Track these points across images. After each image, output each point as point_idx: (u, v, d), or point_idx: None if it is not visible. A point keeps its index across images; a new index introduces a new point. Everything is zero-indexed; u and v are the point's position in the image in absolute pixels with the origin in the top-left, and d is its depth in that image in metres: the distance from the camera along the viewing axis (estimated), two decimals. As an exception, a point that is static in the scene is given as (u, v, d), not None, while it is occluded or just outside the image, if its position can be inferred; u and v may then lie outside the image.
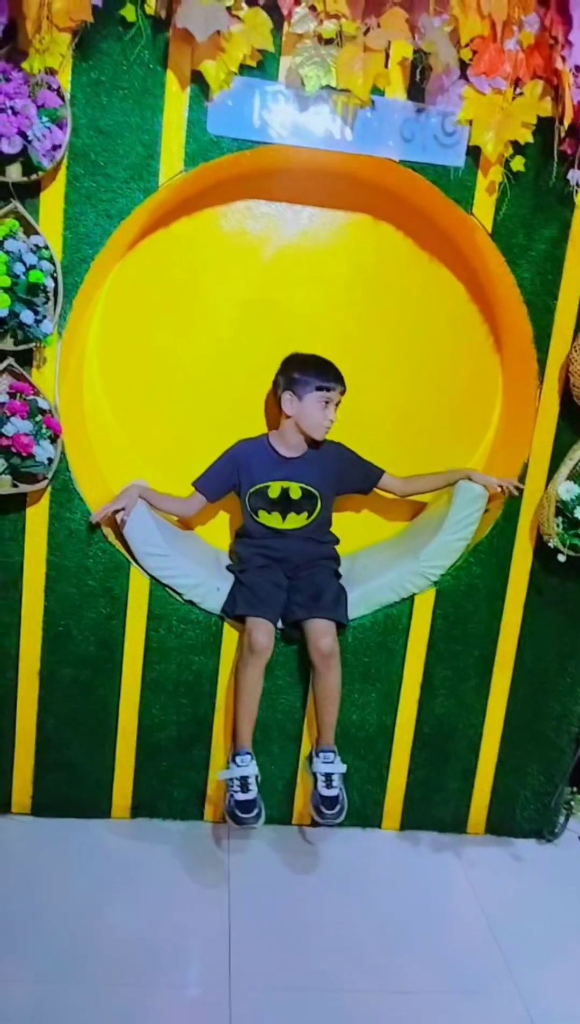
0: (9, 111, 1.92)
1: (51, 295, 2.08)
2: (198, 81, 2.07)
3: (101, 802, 2.46)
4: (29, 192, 2.06)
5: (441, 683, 2.51)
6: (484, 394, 2.61)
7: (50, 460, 2.16)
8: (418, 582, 2.44)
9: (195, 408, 2.53)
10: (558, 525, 2.34)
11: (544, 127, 2.17)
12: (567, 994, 2.07)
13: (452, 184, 2.21)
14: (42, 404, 2.14)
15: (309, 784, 2.37)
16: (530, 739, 2.57)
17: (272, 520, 2.46)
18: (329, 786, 2.29)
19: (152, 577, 2.35)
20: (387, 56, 2.08)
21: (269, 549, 2.46)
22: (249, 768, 2.26)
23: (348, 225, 2.47)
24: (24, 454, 2.10)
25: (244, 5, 2.01)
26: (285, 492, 2.44)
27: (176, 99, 2.08)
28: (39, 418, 2.13)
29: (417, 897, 2.34)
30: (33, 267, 2.01)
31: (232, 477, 2.46)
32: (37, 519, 2.27)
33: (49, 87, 1.96)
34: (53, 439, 2.16)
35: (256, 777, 2.26)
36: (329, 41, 2.06)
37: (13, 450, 2.09)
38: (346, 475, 2.51)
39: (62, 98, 1.99)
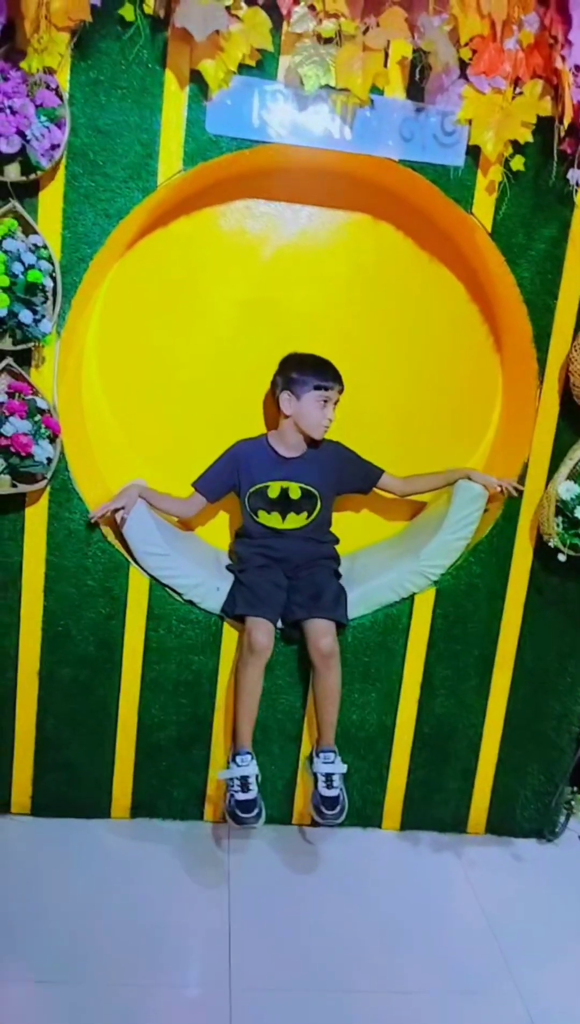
0: (8, 110, 1.92)
1: (50, 295, 2.08)
2: (197, 80, 2.06)
3: (101, 802, 2.46)
4: (28, 191, 2.06)
5: (441, 683, 2.51)
6: (484, 394, 2.60)
7: (49, 460, 2.16)
8: (418, 582, 2.44)
9: (194, 408, 2.52)
10: (558, 525, 2.34)
11: (544, 126, 2.17)
12: (567, 994, 2.07)
13: (452, 183, 2.21)
14: (41, 404, 2.14)
15: (309, 784, 2.37)
16: (530, 739, 2.57)
17: (272, 520, 2.46)
18: (329, 786, 2.29)
19: (152, 577, 2.35)
20: (386, 55, 2.08)
21: (269, 549, 2.46)
22: (249, 768, 2.26)
23: (347, 224, 2.47)
24: (23, 454, 2.10)
25: (243, 4, 2.01)
26: (285, 492, 2.44)
27: (175, 98, 2.08)
28: (38, 418, 2.12)
29: (417, 897, 2.34)
30: (32, 266, 2.01)
31: (232, 477, 2.46)
32: (36, 519, 2.27)
33: (48, 86, 1.96)
34: (52, 439, 2.16)
35: (256, 777, 2.26)
36: (328, 40, 2.05)
37: (12, 450, 2.09)
38: (346, 475, 2.51)
39: (61, 97, 1.99)
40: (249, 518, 2.48)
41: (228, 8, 1.98)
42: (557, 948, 2.23)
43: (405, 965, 2.10)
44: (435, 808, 2.59)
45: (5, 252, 1.99)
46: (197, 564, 2.42)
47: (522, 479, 2.42)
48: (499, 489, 2.42)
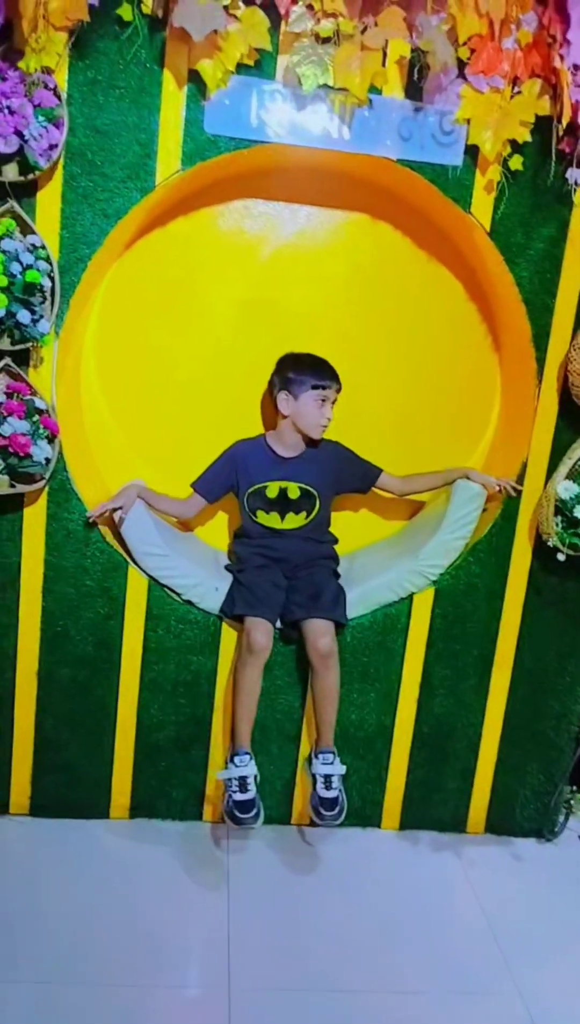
0: (5, 110, 1.92)
1: (48, 295, 2.07)
2: (195, 80, 2.06)
3: (100, 802, 2.46)
4: (26, 191, 2.06)
5: (440, 683, 2.51)
6: (483, 393, 2.60)
7: (47, 460, 2.16)
8: (417, 581, 2.44)
9: (193, 408, 2.52)
10: (557, 524, 2.34)
11: (542, 126, 2.17)
12: (567, 994, 2.07)
13: (450, 183, 2.21)
14: (39, 404, 2.14)
15: (308, 784, 2.37)
16: (529, 738, 2.57)
17: (271, 520, 2.46)
18: (328, 788, 2.28)
19: (150, 577, 2.34)
20: (385, 55, 2.08)
21: (268, 549, 2.46)
22: (248, 768, 2.26)
23: (346, 224, 2.47)
24: (21, 454, 2.09)
25: (241, 4, 2.01)
26: (283, 492, 2.44)
27: (173, 98, 2.08)
28: (36, 418, 2.12)
29: (417, 897, 2.34)
30: (30, 267, 2.01)
31: (230, 478, 2.46)
32: (35, 519, 2.27)
33: (46, 86, 1.96)
34: (50, 439, 2.16)
35: (255, 777, 2.26)
36: (326, 40, 2.05)
37: (10, 450, 2.08)
38: (344, 474, 2.51)
39: (59, 97, 1.98)
40: (248, 518, 2.48)
41: (226, 8, 1.98)
42: (557, 947, 2.23)
43: (404, 965, 2.10)
44: (434, 808, 2.59)
45: (3, 252, 1.99)
46: (196, 564, 2.42)
47: (521, 478, 2.42)
48: (498, 488, 2.42)
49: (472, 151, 2.18)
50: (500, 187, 2.22)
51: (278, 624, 2.37)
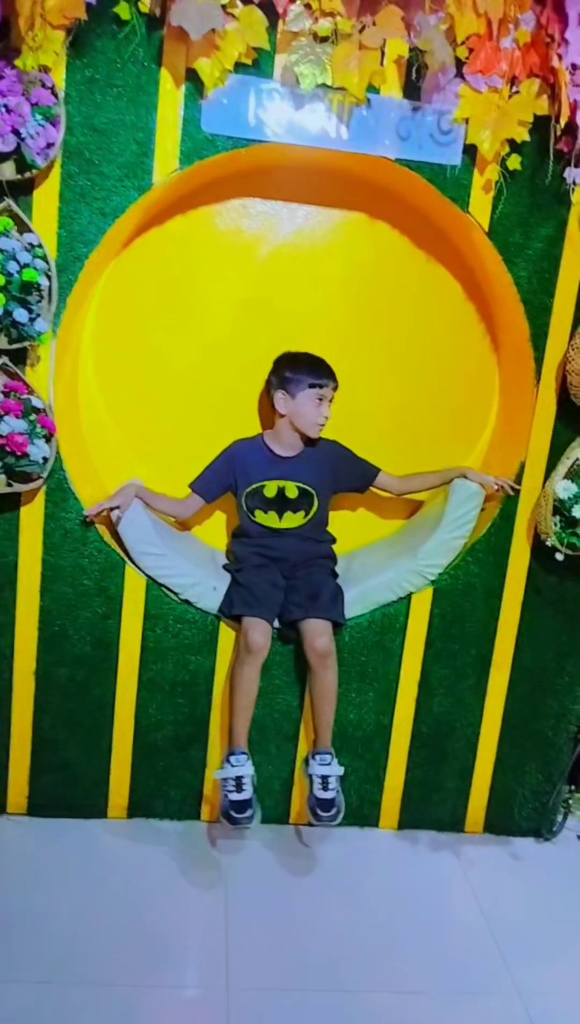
0: (2, 109, 1.91)
1: (45, 293, 2.07)
2: (193, 79, 2.06)
3: (97, 802, 2.45)
4: (23, 190, 2.05)
5: (439, 682, 2.51)
6: (481, 393, 2.60)
7: (45, 459, 2.16)
8: (415, 581, 2.43)
9: (191, 407, 2.52)
10: (556, 524, 2.34)
11: (540, 125, 2.16)
12: (567, 994, 2.07)
13: (448, 182, 2.21)
14: (36, 403, 2.13)
15: (306, 784, 2.36)
16: (528, 738, 2.57)
17: (269, 520, 2.46)
18: (325, 789, 2.28)
19: (148, 576, 2.34)
20: (383, 54, 2.08)
21: (266, 548, 2.46)
22: (244, 768, 2.25)
23: (344, 224, 2.46)
24: (19, 453, 2.09)
25: (239, 3, 2.00)
26: (281, 491, 2.44)
27: (171, 97, 2.07)
28: (33, 417, 2.12)
29: (415, 897, 2.34)
30: (27, 265, 2.01)
31: (228, 477, 2.45)
32: (32, 518, 2.26)
33: (43, 84, 1.96)
34: (48, 438, 2.16)
35: (251, 777, 2.26)
36: (324, 39, 2.05)
37: (7, 449, 2.08)
38: (342, 473, 2.51)
39: (56, 96, 1.98)
40: (246, 518, 2.47)
41: (224, 6, 1.98)
42: (555, 947, 2.22)
43: (403, 965, 2.10)
44: (433, 807, 2.59)
45: (0, 250, 1.99)
46: (194, 564, 2.42)
47: (519, 478, 2.42)
48: (496, 488, 2.42)
49: (470, 150, 2.18)
50: (498, 187, 2.21)
51: (276, 624, 2.37)
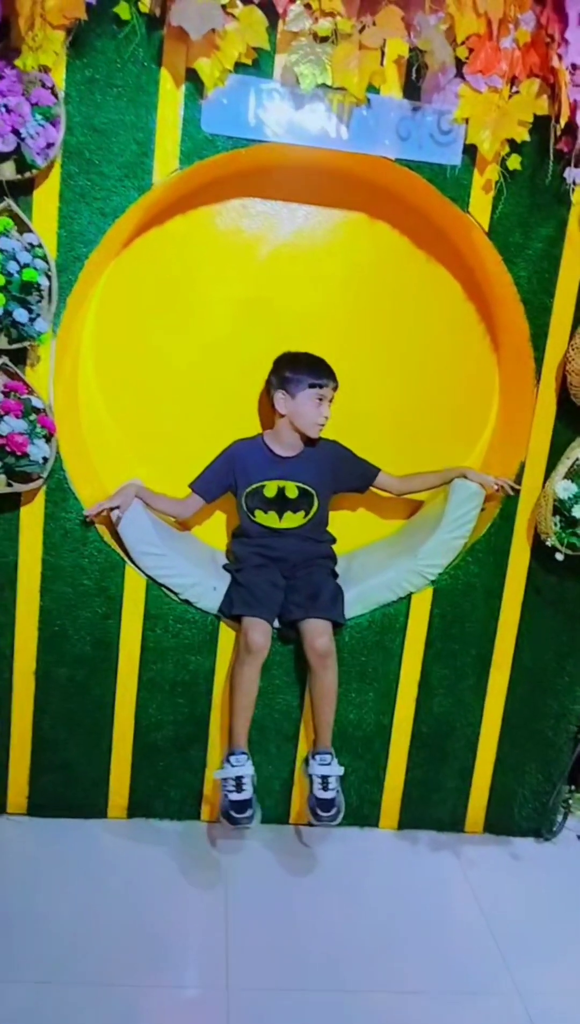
0: (3, 109, 1.91)
1: (45, 293, 2.07)
2: (193, 79, 2.06)
3: (97, 802, 2.45)
4: (23, 190, 2.05)
5: (439, 682, 2.51)
6: (481, 393, 2.60)
7: (45, 459, 2.16)
8: (415, 581, 2.43)
9: (191, 407, 2.52)
10: (556, 524, 2.34)
11: (540, 125, 2.16)
12: (566, 993, 2.07)
13: (448, 182, 2.21)
14: (36, 403, 2.13)
15: (306, 784, 2.36)
16: (528, 738, 2.57)
17: (269, 520, 2.46)
18: (325, 789, 2.28)
19: (148, 576, 2.34)
20: (383, 54, 2.08)
21: (266, 548, 2.46)
22: (244, 768, 2.25)
23: (344, 224, 2.46)
24: (18, 453, 2.09)
25: (239, 3, 2.00)
26: (281, 491, 2.44)
27: (170, 97, 2.07)
28: (33, 417, 2.12)
29: (415, 896, 2.34)
30: (27, 265, 2.01)
31: (228, 478, 2.45)
32: (32, 518, 2.26)
33: (43, 84, 1.96)
34: (48, 438, 2.16)
35: (251, 777, 2.26)
36: (324, 39, 2.05)
37: (7, 449, 2.08)
38: (342, 473, 2.51)
39: (56, 96, 1.98)
40: (246, 518, 2.47)
41: (224, 6, 1.98)
42: (555, 947, 2.22)
43: (403, 965, 2.10)
44: (433, 807, 2.59)
45: (0, 251, 1.99)
46: (194, 564, 2.42)
47: (519, 478, 2.42)
48: (496, 488, 2.42)
49: (470, 150, 2.18)
50: (498, 187, 2.21)
51: (276, 624, 2.37)
